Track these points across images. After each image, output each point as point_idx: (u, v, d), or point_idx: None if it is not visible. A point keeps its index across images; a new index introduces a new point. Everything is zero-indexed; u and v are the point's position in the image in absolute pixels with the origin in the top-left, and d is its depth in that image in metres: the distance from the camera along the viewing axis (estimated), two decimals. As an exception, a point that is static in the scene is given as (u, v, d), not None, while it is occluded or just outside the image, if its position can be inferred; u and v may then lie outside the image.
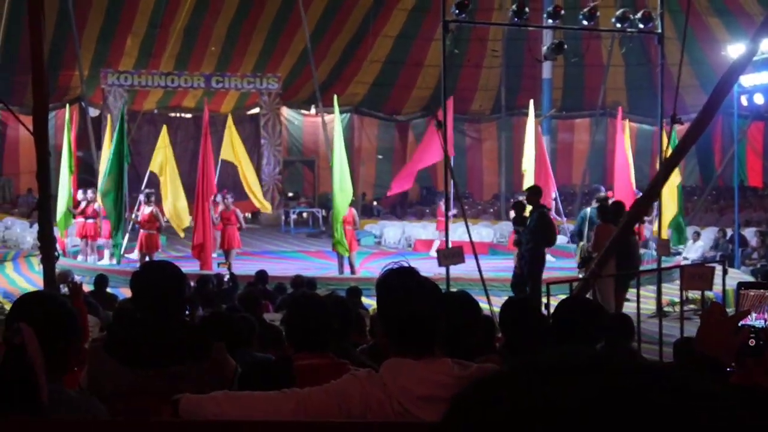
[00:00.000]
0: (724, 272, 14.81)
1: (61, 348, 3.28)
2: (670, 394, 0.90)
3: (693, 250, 24.33)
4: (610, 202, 22.63)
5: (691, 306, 15.64)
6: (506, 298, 8.90)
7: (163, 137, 26.11)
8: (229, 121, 24.61)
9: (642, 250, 22.38)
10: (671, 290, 17.18)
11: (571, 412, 0.89)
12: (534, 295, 14.75)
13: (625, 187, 22.36)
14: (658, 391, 0.90)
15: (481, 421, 0.95)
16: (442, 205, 25.91)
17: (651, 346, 12.03)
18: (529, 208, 16.92)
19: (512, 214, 18.64)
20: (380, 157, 38.63)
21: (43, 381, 2.82)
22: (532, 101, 24.97)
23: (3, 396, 2.84)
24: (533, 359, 0.99)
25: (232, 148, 25.08)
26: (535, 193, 16.82)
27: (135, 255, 22.14)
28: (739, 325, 2.66)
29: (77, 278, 17.67)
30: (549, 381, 0.93)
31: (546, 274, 17.20)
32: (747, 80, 25.88)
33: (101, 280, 15.20)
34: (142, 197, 22.55)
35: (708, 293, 13.48)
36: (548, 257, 17.34)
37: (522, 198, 19.44)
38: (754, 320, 2.75)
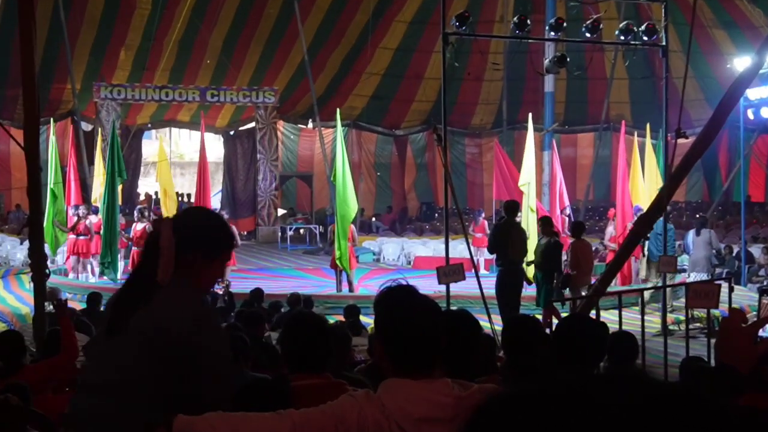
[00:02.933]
0: (731, 290, 14.81)
1: None
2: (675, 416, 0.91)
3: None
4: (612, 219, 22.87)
5: (697, 324, 15.65)
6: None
7: (161, 151, 26.25)
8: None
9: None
10: (676, 308, 17.21)
11: None
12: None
13: (627, 204, 22.36)
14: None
15: None
16: (482, 220, 25.98)
17: (656, 366, 12.03)
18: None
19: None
20: (379, 174, 38.66)
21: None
22: (531, 115, 24.97)
23: None
24: (538, 384, 1.00)
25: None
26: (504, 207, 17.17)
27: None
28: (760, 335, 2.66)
29: (67, 296, 17.71)
30: (552, 408, 0.94)
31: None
32: (753, 93, 25.90)
33: (94, 298, 15.15)
34: (135, 213, 22.59)
35: (714, 311, 13.48)
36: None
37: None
38: None
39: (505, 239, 16.17)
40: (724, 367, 2.59)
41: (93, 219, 22.83)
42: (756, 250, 26.25)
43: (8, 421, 5.10)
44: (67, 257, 23.06)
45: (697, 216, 23.93)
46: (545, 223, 17.73)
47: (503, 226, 16.36)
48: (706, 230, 21.98)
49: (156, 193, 34.97)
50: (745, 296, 21.81)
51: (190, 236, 3.63)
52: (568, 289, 16.83)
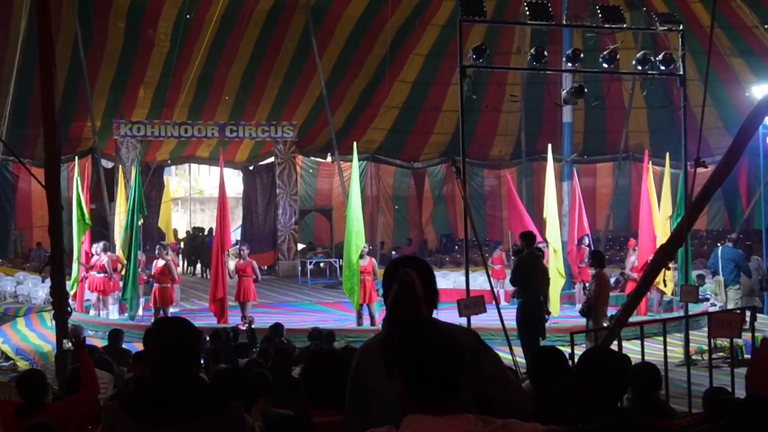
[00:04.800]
0: (753, 318, 14.74)
1: None
2: None
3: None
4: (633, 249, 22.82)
5: (720, 354, 15.55)
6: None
7: (166, 192, 26.35)
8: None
9: (667, 297, 22.39)
10: (699, 338, 17.10)
11: None
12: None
13: (648, 233, 22.30)
14: None
15: None
16: (500, 252, 25.95)
17: (680, 396, 11.96)
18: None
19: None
20: (397, 207, 38.67)
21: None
22: (550, 146, 24.97)
23: None
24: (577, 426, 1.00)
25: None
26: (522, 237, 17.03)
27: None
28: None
29: (89, 333, 17.74)
30: None
31: (566, 323, 17.22)
32: (773, 121, 25.85)
33: (116, 335, 15.13)
34: (157, 249, 22.65)
35: (737, 341, 13.41)
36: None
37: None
38: None
39: (528, 271, 16.10)
40: (757, 398, 2.57)
41: (112, 256, 22.91)
42: (779, 278, 26.10)
43: None
44: (81, 296, 23.08)
45: (747, 243, 23.93)
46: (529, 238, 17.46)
47: (526, 258, 16.27)
48: (754, 258, 22.55)
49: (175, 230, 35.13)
50: (767, 324, 21.70)
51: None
52: (589, 318, 16.70)
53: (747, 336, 14.65)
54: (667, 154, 22.48)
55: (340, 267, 31.78)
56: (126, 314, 22.56)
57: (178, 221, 39.49)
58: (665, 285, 21.35)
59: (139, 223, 21.92)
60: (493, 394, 3.92)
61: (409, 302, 3.91)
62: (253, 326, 18.42)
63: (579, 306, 22.41)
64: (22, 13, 28.69)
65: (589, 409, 4.78)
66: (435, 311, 4.11)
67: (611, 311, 17.69)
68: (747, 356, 16.39)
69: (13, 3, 29.11)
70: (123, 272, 22.57)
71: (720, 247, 23.61)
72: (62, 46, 28.47)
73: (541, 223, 22.92)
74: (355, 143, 23.37)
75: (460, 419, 3.06)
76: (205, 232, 35.28)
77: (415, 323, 3.31)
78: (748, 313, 13.99)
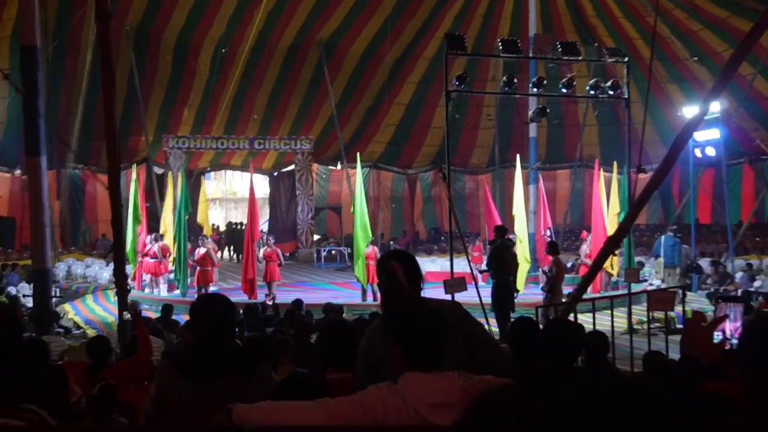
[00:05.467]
0: (684, 295, 14.76)
1: None
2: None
3: (656, 277, 24.22)
4: (586, 241, 22.81)
5: (657, 324, 15.56)
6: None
7: (203, 193, 26.39)
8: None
9: (614, 278, 22.41)
10: (640, 311, 17.10)
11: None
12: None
13: (599, 227, 22.34)
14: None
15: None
16: (478, 242, 26.04)
17: (623, 359, 11.96)
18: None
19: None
20: (394, 206, 38.65)
21: None
22: (518, 156, 24.92)
23: None
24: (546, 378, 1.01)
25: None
26: (495, 230, 16.99)
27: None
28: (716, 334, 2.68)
29: (144, 307, 17.76)
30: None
31: (532, 299, 17.22)
32: (700, 135, 25.88)
33: (168, 309, 15.18)
34: (199, 240, 22.68)
35: (671, 313, 13.42)
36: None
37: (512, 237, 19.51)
38: (730, 335, 2.79)
39: (500, 258, 16.14)
40: (689, 360, 2.58)
41: (161, 245, 22.97)
42: (704, 263, 26.13)
43: (108, 402, 5.19)
44: (139, 277, 23.13)
45: (678, 236, 24.14)
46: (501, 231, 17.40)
47: (499, 247, 16.30)
48: (684, 246, 23.51)
49: (214, 225, 35.12)
50: (695, 301, 21.71)
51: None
52: (550, 295, 16.69)
53: (679, 309, 14.69)
54: (615, 163, 22.49)
55: (349, 254, 31.86)
56: (175, 291, 22.66)
57: (215, 218, 39.50)
58: (612, 268, 21.40)
59: (186, 218, 21.96)
60: (482, 357, 3.94)
61: (392, 286, 4.04)
62: (276, 302, 18.47)
63: (542, 285, 22.55)
64: (87, 47, 28.69)
65: (549, 366, 4.81)
66: (422, 292, 4.15)
67: (568, 290, 17.72)
68: (679, 326, 16.42)
69: (81, 39, 29.09)
70: (171, 258, 22.64)
71: (663, 236, 23.84)
72: (121, 74, 28.50)
73: (510, 219, 22.95)
74: (359, 154, 23.40)
75: (446, 375, 3.07)
76: (243, 226, 35.30)
77: (407, 299, 3.33)
78: (679, 292, 14.03)
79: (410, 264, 4.18)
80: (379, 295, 20.48)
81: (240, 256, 31.09)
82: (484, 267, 17.78)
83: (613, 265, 21.11)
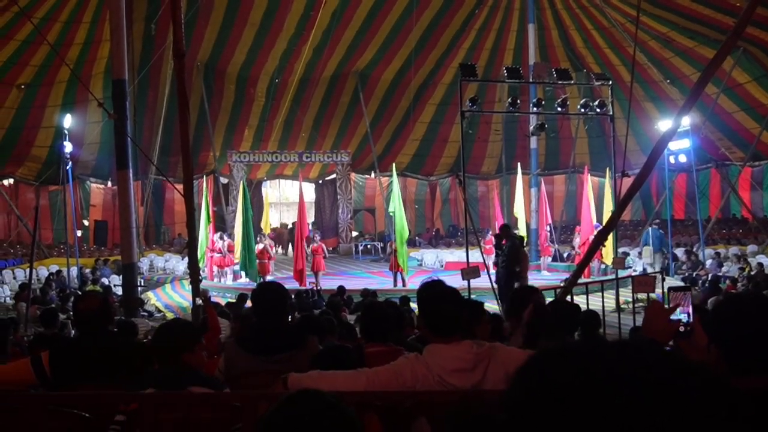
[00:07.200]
0: (663, 279, 14.63)
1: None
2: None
3: (639, 264, 24.09)
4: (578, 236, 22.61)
5: (640, 304, 15.44)
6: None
7: (266, 199, 26.52)
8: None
9: (603, 265, 22.26)
10: (625, 293, 16.98)
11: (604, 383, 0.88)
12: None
13: (588, 223, 22.23)
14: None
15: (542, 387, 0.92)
16: (489, 236, 25.86)
17: (612, 333, 11.88)
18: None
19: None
20: (417, 207, 38.61)
21: None
22: (519, 164, 24.85)
23: None
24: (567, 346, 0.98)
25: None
26: (504, 229, 16.71)
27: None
28: (672, 317, 2.66)
29: (213, 293, 17.83)
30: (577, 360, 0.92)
31: (536, 283, 17.05)
32: (673, 145, 25.71)
33: (242, 297, 14.87)
34: (257, 237, 22.77)
35: (652, 294, 13.30)
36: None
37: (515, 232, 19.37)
38: (680, 313, 2.75)
39: (518, 252, 15.89)
40: (649, 340, 2.56)
41: (226, 242, 23.09)
42: (680, 252, 25.95)
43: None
44: (210, 269, 23.23)
45: (659, 229, 24.29)
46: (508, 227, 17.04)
47: (517, 244, 15.99)
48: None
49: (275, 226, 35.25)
50: (673, 284, 21.48)
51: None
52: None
53: (659, 291, 14.56)
54: (608, 169, 22.31)
55: (382, 248, 31.85)
56: (239, 280, 22.76)
57: (271, 219, 39.65)
58: (606, 258, 21.21)
59: (251, 219, 22.10)
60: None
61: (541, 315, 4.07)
62: (320, 288, 18.52)
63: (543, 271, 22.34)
64: (166, 80, 28.94)
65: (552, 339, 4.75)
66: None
67: (566, 275, 17.60)
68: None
69: (160, 73, 29.35)
70: (237, 253, 22.69)
71: (650, 228, 23.94)
72: (193, 101, 28.68)
73: (513, 217, 22.90)
74: (393, 164, 23.40)
75: (462, 344, 3.07)
76: (289, 226, 35.43)
77: (430, 282, 3.33)
78: (659, 276, 13.91)
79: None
80: (408, 280, 20.43)
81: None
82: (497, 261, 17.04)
83: (607, 255, 20.89)
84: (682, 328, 2.66)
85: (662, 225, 26.11)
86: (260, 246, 22.00)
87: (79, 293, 17.00)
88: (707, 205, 31.56)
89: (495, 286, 14.79)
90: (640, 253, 25.11)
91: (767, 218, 30.14)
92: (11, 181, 31.29)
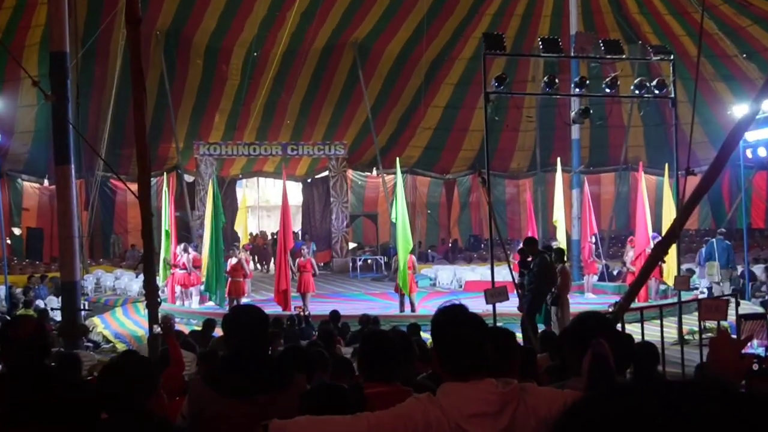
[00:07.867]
0: (737, 304, 14.61)
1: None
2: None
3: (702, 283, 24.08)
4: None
5: (709, 334, 15.39)
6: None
7: (243, 200, 26.52)
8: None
9: (662, 286, 22.23)
10: (690, 321, 16.94)
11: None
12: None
13: (643, 233, 22.21)
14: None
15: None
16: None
17: (674, 370, 11.85)
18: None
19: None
20: (429, 212, 38.61)
21: None
22: (559, 159, 24.83)
23: None
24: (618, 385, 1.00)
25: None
26: (530, 243, 16.45)
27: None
28: (743, 352, 2.65)
29: (176, 320, 17.78)
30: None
31: (576, 309, 17.04)
32: (751, 136, 25.67)
33: (209, 324, 14.86)
34: (231, 250, 22.77)
35: (723, 323, 13.27)
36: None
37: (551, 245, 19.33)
38: (756, 347, 2.75)
39: (547, 273, 15.80)
40: (717, 380, 2.55)
41: (191, 255, 23.04)
42: (758, 269, 25.88)
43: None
44: (172, 289, 23.23)
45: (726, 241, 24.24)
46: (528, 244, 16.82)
47: (545, 261, 15.92)
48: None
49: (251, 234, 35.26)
50: (749, 310, 21.45)
51: None
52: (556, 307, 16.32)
53: (732, 319, 14.52)
54: (668, 165, 22.26)
55: (385, 263, 31.85)
56: (207, 303, 22.74)
57: (248, 226, 39.67)
58: (665, 276, 21.16)
59: (222, 227, 22.10)
60: None
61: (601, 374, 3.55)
62: (308, 313, 18.53)
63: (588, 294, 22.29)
64: (117, 52, 28.96)
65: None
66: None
67: (615, 298, 17.56)
68: (733, 336, 16.22)
69: (110, 45, 29.39)
70: (203, 269, 22.71)
71: (714, 240, 23.82)
72: (151, 80, 28.73)
73: (552, 226, 22.85)
74: (398, 159, 23.37)
75: (484, 383, 3.07)
76: (274, 235, 35.41)
77: (447, 308, 3.32)
78: (732, 300, 13.89)
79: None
80: (418, 303, 20.41)
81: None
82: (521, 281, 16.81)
83: (667, 273, 20.78)
84: (756, 366, 2.66)
85: (730, 235, 26.08)
86: (233, 260, 22.00)
87: (8, 318, 16.98)
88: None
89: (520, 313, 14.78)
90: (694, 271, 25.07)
91: None
92: None
